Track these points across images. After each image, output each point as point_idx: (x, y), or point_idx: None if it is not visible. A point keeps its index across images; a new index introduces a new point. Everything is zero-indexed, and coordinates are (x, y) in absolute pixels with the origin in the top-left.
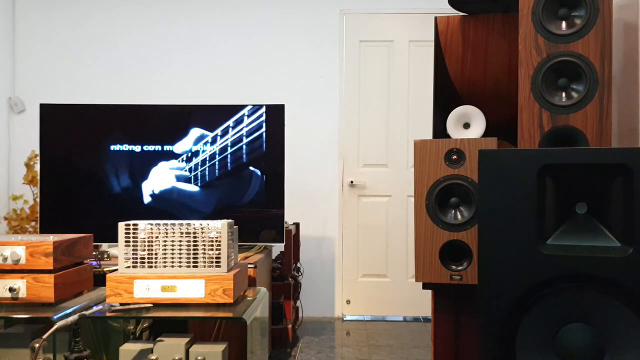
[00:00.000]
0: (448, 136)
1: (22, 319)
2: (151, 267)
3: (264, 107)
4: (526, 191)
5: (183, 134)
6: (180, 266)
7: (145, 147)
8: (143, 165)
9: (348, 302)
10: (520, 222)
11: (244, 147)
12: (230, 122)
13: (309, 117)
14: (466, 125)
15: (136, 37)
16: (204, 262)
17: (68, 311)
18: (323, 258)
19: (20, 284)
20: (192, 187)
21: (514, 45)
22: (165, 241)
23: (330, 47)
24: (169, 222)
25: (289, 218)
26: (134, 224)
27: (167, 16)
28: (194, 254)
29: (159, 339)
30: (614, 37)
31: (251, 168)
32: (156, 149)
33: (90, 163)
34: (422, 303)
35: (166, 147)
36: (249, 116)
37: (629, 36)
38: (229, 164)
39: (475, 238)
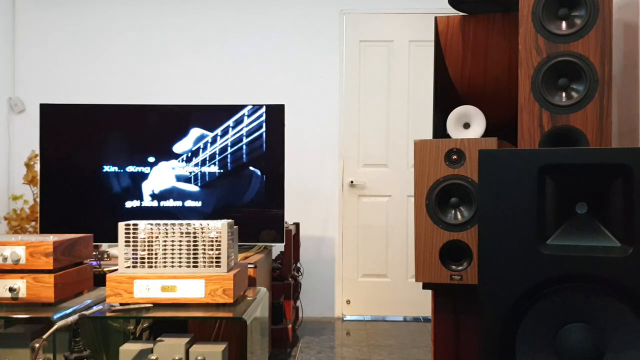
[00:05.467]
0: (448, 136)
1: (22, 319)
2: (151, 267)
3: (264, 107)
4: (526, 191)
5: (183, 134)
6: (180, 266)
7: (145, 147)
8: (143, 165)
9: (348, 302)
10: (520, 222)
11: (244, 147)
12: (230, 122)
13: (309, 117)
14: (466, 125)
15: (136, 37)
16: (204, 262)
17: (68, 311)
18: (323, 258)
19: (20, 284)
20: (192, 187)
21: (514, 45)
22: (165, 241)
23: (330, 47)
24: (169, 222)
25: (289, 218)
26: (134, 224)
27: (167, 16)
28: (194, 254)
29: (159, 339)
30: (614, 37)
31: (251, 168)
32: (156, 149)
33: (90, 163)
34: (422, 303)
35: (166, 147)
36: (249, 116)
37: (629, 36)
38: (229, 164)
39: (475, 238)
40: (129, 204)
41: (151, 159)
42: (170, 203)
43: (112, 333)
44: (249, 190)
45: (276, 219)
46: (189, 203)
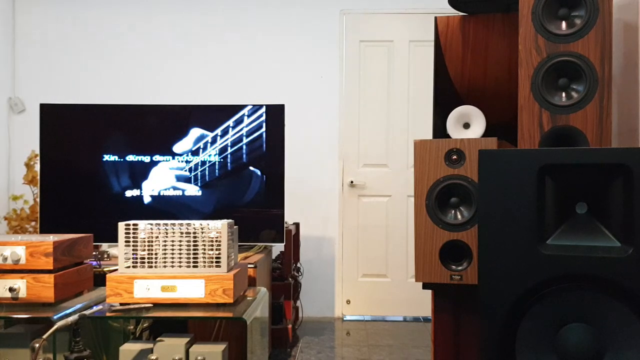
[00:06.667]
0: (448, 136)
1: (22, 319)
2: (151, 267)
3: (264, 107)
4: (526, 191)
5: (183, 134)
6: (180, 266)
7: (145, 147)
8: (143, 165)
9: (348, 302)
10: (520, 222)
11: (244, 147)
12: (230, 122)
13: (309, 117)
14: (466, 125)
15: (136, 37)
16: (204, 262)
17: (68, 311)
18: (323, 258)
19: (20, 284)
20: (192, 187)
21: (514, 45)
22: (165, 241)
23: (330, 47)
24: (169, 222)
25: (289, 218)
26: (134, 224)
27: (167, 16)
28: (194, 254)
29: (159, 339)
30: (614, 37)
31: (251, 168)
32: (156, 149)
33: (90, 163)
34: (422, 303)
35: (166, 147)
36: (249, 116)
37: (629, 36)
38: (229, 164)
39: (475, 238)
40: (128, 204)
41: (151, 159)
42: (170, 203)
43: (112, 333)
44: (249, 190)
45: (276, 219)
46: (189, 203)
